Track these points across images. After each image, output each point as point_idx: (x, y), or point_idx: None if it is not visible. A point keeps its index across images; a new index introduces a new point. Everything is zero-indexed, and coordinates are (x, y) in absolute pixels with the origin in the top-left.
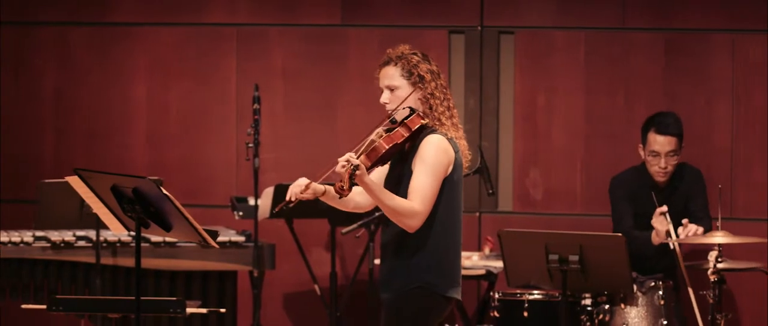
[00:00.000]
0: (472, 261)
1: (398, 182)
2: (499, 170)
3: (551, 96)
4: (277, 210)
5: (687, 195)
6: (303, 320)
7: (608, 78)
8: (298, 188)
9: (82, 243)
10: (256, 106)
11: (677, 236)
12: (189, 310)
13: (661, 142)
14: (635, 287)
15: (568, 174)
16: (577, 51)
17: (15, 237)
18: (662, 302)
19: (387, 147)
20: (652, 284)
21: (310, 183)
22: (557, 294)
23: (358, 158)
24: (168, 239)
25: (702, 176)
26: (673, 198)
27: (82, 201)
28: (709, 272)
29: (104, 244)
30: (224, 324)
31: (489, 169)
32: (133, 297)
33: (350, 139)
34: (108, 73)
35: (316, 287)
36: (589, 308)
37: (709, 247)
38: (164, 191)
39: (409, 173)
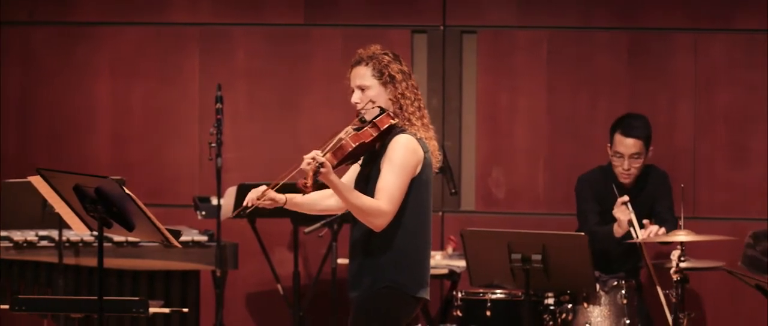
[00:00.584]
0: (435, 261)
1: (366, 181)
2: (461, 169)
3: (514, 95)
4: (234, 214)
5: (653, 197)
6: (266, 319)
7: (571, 77)
8: (254, 194)
9: (44, 242)
10: (218, 105)
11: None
12: (152, 310)
13: (625, 144)
14: (598, 286)
15: (531, 173)
16: (539, 50)
17: None
18: (625, 301)
19: (353, 145)
20: (615, 283)
21: (267, 190)
22: (520, 294)
23: (324, 156)
24: (131, 239)
25: (668, 179)
26: (639, 200)
27: (45, 200)
28: (672, 271)
29: (67, 244)
30: (187, 323)
31: (452, 169)
32: (96, 297)
33: (313, 138)
34: (71, 72)
35: (279, 286)
36: (551, 307)
37: (673, 246)
38: (127, 191)
39: (377, 172)
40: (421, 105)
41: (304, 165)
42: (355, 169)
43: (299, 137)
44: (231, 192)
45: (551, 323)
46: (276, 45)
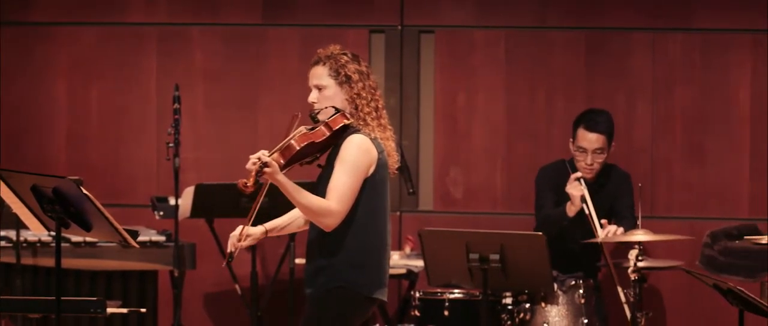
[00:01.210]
0: (393, 261)
1: (319, 181)
2: (419, 169)
3: (472, 95)
4: (227, 264)
5: (613, 196)
6: (224, 320)
7: (529, 77)
8: (234, 238)
9: (2, 243)
10: (176, 105)
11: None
12: (109, 310)
13: (589, 139)
14: (556, 286)
15: (489, 173)
16: (497, 50)
17: None
18: (583, 300)
19: (301, 145)
20: (573, 282)
21: (244, 229)
22: (478, 293)
23: (270, 156)
24: (88, 239)
25: (630, 179)
26: (599, 197)
27: (2, 201)
28: (629, 270)
29: (24, 244)
30: (145, 324)
31: (409, 168)
32: (54, 297)
33: (271, 138)
34: (28, 72)
35: (237, 286)
36: (509, 307)
37: (631, 246)
38: (84, 191)
39: (331, 173)
40: (379, 105)
41: (248, 165)
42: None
43: (257, 137)
44: (188, 193)
45: (509, 322)
46: (233, 45)
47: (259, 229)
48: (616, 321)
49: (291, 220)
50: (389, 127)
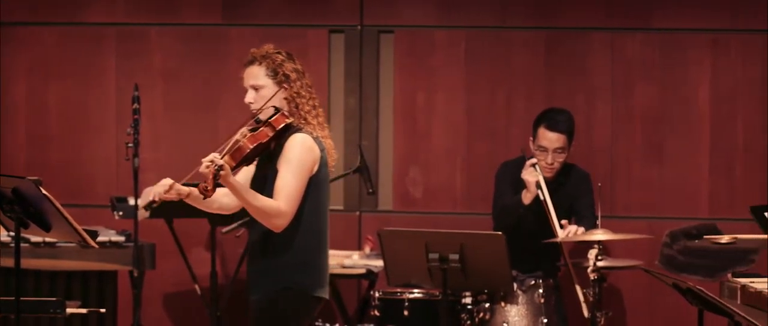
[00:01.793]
0: (353, 260)
1: (264, 182)
2: (379, 169)
3: (431, 95)
4: (143, 206)
5: (573, 196)
6: (183, 320)
7: (488, 76)
8: (161, 188)
9: None
10: (135, 105)
11: (561, 226)
12: (69, 310)
13: (549, 138)
14: (515, 285)
15: (449, 172)
16: (457, 50)
17: None
18: (542, 300)
19: (251, 147)
20: (532, 282)
21: (174, 184)
22: (438, 293)
23: (222, 158)
24: (48, 239)
25: (590, 179)
26: (558, 196)
27: None
28: (589, 270)
29: None
30: (104, 324)
31: (369, 168)
32: (13, 298)
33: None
34: None
35: (197, 286)
36: (469, 307)
37: (590, 245)
38: (43, 191)
39: (275, 173)
40: (316, 103)
41: (202, 169)
42: (246, 171)
43: (216, 137)
44: (148, 193)
45: (469, 322)
46: (193, 45)
47: (184, 188)
48: (575, 321)
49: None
50: (327, 125)
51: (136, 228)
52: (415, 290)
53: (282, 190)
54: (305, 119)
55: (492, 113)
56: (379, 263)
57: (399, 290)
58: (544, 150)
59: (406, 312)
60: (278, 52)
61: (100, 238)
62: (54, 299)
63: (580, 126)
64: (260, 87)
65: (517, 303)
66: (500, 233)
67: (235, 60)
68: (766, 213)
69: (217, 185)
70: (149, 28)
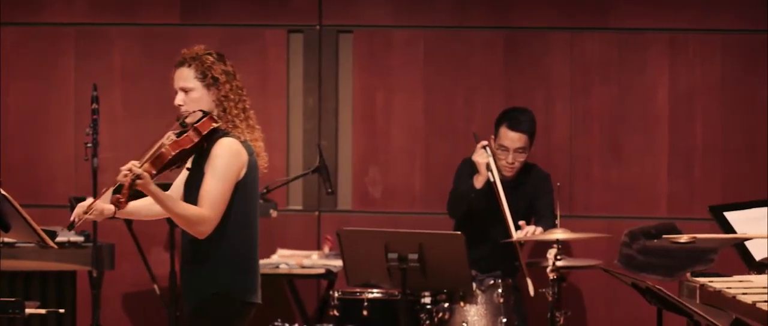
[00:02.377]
0: (312, 260)
1: (191, 185)
2: (338, 169)
3: (390, 95)
4: (69, 227)
5: (533, 195)
6: (143, 320)
7: (447, 76)
8: (80, 209)
9: None
10: (94, 105)
11: (518, 226)
12: (28, 311)
13: (511, 138)
14: (475, 285)
15: (407, 172)
16: (416, 50)
17: None
18: (501, 300)
19: (172, 154)
20: (492, 282)
21: (94, 203)
22: (397, 293)
23: (142, 166)
24: (6, 240)
25: (550, 180)
26: (517, 195)
27: None
28: (548, 270)
29: None
30: (64, 324)
31: (328, 168)
32: None
33: None
34: None
35: (156, 287)
36: (428, 306)
37: (550, 245)
38: (2, 191)
39: (201, 177)
40: (247, 106)
41: (120, 178)
42: (184, 174)
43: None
44: (107, 193)
45: (428, 322)
46: (152, 45)
47: (108, 207)
48: (534, 320)
49: (144, 207)
50: (257, 127)
51: (95, 228)
52: (375, 290)
53: (206, 197)
54: (233, 123)
55: (451, 113)
56: (339, 263)
57: (358, 290)
58: (506, 149)
59: (365, 312)
60: (209, 54)
61: (59, 239)
62: (13, 299)
63: (539, 125)
64: (189, 89)
65: (476, 303)
66: (459, 233)
67: None
68: (724, 213)
69: (132, 195)
70: (108, 29)
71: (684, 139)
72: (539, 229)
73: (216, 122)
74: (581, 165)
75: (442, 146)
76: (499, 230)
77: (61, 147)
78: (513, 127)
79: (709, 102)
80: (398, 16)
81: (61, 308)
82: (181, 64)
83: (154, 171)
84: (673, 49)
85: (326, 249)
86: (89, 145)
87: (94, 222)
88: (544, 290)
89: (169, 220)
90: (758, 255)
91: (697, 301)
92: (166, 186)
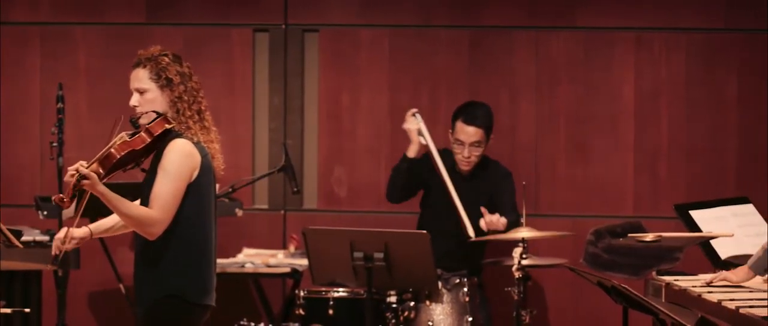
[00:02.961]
0: (277, 259)
1: (144, 186)
2: (304, 168)
3: (356, 94)
4: (54, 265)
5: (493, 192)
6: (108, 319)
7: (412, 75)
8: (58, 242)
9: None
10: (59, 105)
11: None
12: None
13: (467, 132)
14: (440, 284)
15: (373, 171)
16: (381, 49)
17: None
18: (467, 299)
19: (121, 154)
20: (457, 281)
21: (68, 231)
22: (362, 292)
23: (89, 166)
24: None
25: (511, 177)
26: (477, 191)
27: None
28: (513, 268)
29: None
30: (29, 323)
31: (294, 167)
32: None
33: None
34: None
35: (121, 286)
36: (394, 305)
37: (515, 244)
38: None
39: (154, 179)
40: (202, 107)
41: (66, 178)
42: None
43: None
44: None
45: (394, 321)
46: (117, 44)
47: (83, 231)
48: (500, 319)
49: (117, 221)
50: (213, 128)
51: (61, 227)
52: (340, 289)
53: (156, 198)
54: (187, 124)
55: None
56: (304, 262)
57: (324, 289)
58: (461, 143)
59: (330, 311)
60: (164, 55)
61: (24, 238)
62: None
63: (505, 124)
64: (144, 90)
65: (441, 302)
66: (425, 232)
67: None
68: (690, 212)
69: (75, 195)
70: (73, 28)
71: (649, 137)
72: (503, 219)
73: (169, 123)
74: (547, 164)
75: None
76: (456, 223)
77: (26, 146)
78: (468, 121)
79: (675, 101)
80: (364, 15)
81: (27, 307)
82: (137, 65)
83: (102, 172)
84: (639, 48)
85: (292, 248)
86: (55, 144)
87: (59, 221)
88: (509, 289)
89: None
90: (724, 253)
91: (663, 300)
92: (118, 187)
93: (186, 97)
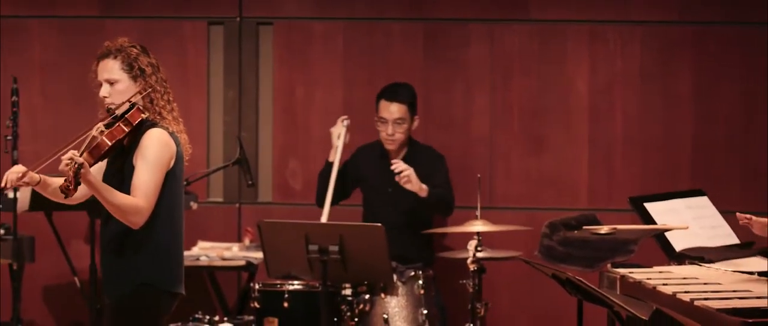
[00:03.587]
0: (232, 252)
1: (120, 178)
2: (258, 161)
3: (310, 87)
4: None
5: (426, 174)
6: (63, 312)
7: (367, 68)
8: (14, 175)
9: None
10: (14, 98)
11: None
12: None
13: (389, 110)
14: (395, 277)
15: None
16: (335, 42)
17: None
18: (422, 291)
19: (110, 143)
20: (412, 273)
21: (27, 171)
22: (317, 285)
23: (81, 156)
24: None
25: (444, 160)
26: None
27: None
28: (468, 261)
29: None
30: None
31: (248, 160)
32: None
33: None
34: None
35: (76, 279)
36: (349, 298)
37: (470, 236)
38: None
39: (131, 169)
40: (171, 98)
41: (62, 167)
42: (97, 166)
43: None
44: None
45: (349, 314)
46: (71, 37)
47: (35, 176)
48: (455, 312)
49: (52, 191)
50: (181, 119)
51: (15, 221)
52: (295, 282)
53: (140, 187)
54: (160, 114)
55: (370, 105)
56: (259, 255)
57: (279, 282)
58: (385, 121)
59: (285, 304)
60: (133, 46)
61: None
62: None
63: (459, 117)
64: (115, 81)
65: (397, 295)
66: (380, 225)
67: None
68: (645, 204)
69: (78, 183)
70: (27, 21)
71: (604, 130)
72: (411, 170)
73: (144, 113)
74: (501, 156)
75: (361, 138)
76: (398, 213)
77: None
78: (390, 98)
79: (629, 93)
80: (318, 8)
81: None
82: (105, 55)
83: (92, 161)
84: (593, 41)
85: (247, 241)
86: (9, 137)
87: (14, 216)
88: (464, 281)
89: (89, 213)
90: (678, 246)
91: (618, 292)
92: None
93: (158, 87)
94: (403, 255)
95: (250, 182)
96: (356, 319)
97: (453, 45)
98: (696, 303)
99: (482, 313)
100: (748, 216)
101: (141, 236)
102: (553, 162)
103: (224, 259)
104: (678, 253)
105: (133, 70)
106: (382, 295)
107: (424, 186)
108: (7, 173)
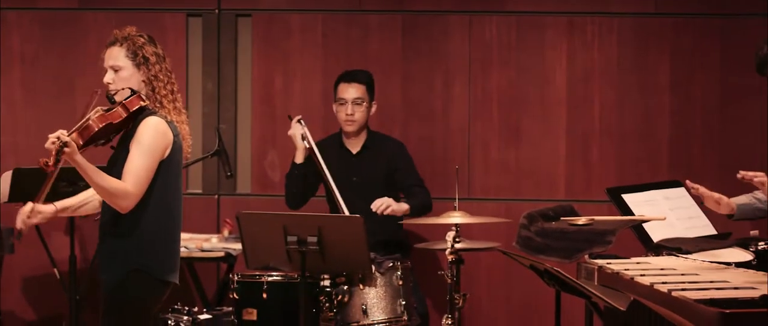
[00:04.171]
0: (211, 244)
1: (115, 162)
2: (237, 153)
3: (289, 79)
4: (17, 239)
5: (390, 167)
6: (43, 304)
7: (346, 60)
8: (24, 215)
9: None
10: None
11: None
12: None
13: (348, 91)
14: (374, 268)
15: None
16: (314, 33)
17: None
18: (400, 282)
19: (99, 126)
20: (391, 264)
21: (34, 207)
22: (296, 276)
23: (69, 136)
24: None
25: (405, 147)
26: (374, 166)
27: None
28: (446, 252)
29: None
30: None
31: (227, 152)
32: None
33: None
34: None
35: (56, 271)
36: (328, 289)
37: (448, 227)
38: None
39: (126, 155)
40: (175, 88)
41: (48, 144)
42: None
43: (75, 121)
44: (6, 177)
45: (327, 305)
46: (50, 29)
47: (49, 208)
48: (434, 302)
49: (84, 201)
50: (184, 110)
51: None
52: (274, 273)
53: (130, 172)
54: (161, 103)
55: None
56: (238, 246)
57: (257, 273)
58: (344, 102)
59: (264, 295)
60: (140, 35)
61: None
62: None
63: (438, 108)
64: (119, 68)
65: (375, 286)
66: (358, 216)
67: (91, 45)
68: (622, 195)
69: (58, 161)
70: (6, 12)
71: (581, 121)
72: (395, 206)
73: (144, 101)
74: (479, 147)
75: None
76: (364, 201)
77: None
78: (348, 80)
79: (606, 85)
80: (296, 0)
81: None
82: (112, 43)
83: (80, 142)
84: (571, 32)
85: (226, 233)
86: None
87: None
88: (442, 272)
89: None
90: (656, 236)
91: (595, 283)
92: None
93: (161, 77)
94: (382, 246)
95: (228, 173)
96: (335, 310)
97: (431, 36)
98: (673, 293)
99: (460, 304)
100: (696, 185)
101: (133, 222)
102: (531, 153)
103: (203, 250)
104: (655, 244)
105: (137, 57)
106: (361, 286)
107: (404, 205)
108: (17, 216)
